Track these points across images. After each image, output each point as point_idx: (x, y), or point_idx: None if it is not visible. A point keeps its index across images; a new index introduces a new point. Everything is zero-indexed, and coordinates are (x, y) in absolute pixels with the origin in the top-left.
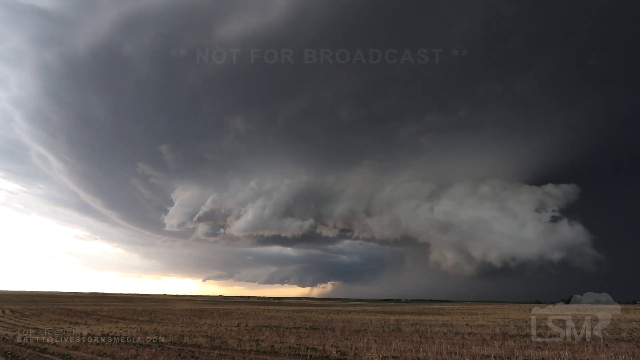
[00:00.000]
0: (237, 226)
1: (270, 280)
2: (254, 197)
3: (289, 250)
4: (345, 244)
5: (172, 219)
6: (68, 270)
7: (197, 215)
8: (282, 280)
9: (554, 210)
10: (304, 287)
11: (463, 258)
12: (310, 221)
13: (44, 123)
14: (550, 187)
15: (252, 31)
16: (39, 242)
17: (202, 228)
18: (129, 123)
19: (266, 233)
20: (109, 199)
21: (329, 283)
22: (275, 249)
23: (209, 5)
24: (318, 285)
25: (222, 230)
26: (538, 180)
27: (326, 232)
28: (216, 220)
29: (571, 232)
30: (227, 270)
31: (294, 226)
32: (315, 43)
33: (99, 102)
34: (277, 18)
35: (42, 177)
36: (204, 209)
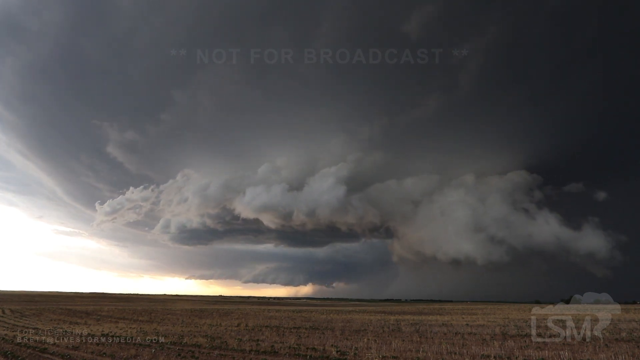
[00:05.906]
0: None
1: (256, 280)
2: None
3: (281, 249)
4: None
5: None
6: (60, 267)
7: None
8: (273, 280)
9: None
10: (296, 286)
11: None
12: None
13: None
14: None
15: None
16: (24, 238)
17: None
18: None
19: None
20: (83, 190)
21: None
22: (267, 248)
23: None
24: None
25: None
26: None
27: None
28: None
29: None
30: (211, 269)
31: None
32: (314, 43)
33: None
34: (277, 18)
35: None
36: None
